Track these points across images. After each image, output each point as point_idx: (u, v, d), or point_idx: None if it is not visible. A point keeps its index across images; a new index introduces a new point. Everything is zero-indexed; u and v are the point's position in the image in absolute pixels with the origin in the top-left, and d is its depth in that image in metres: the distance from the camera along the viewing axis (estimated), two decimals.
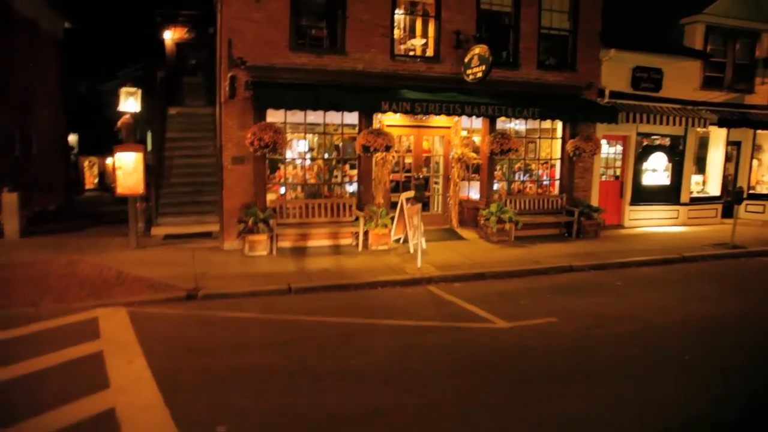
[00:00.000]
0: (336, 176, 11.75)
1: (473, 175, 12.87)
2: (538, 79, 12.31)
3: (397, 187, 12.78)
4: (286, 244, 10.63)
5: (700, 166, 15.81)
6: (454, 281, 9.07)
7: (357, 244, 10.78)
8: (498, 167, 12.64)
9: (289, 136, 10.88)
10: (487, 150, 11.76)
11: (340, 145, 11.70)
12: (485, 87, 11.46)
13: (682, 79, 14.23)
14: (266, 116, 10.37)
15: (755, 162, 16.65)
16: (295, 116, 10.91)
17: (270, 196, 11.02)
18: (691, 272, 10.10)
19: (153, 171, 12.57)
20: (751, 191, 16.37)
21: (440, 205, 13.04)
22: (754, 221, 15.95)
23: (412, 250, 10.69)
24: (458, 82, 11.48)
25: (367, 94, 10.42)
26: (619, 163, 14.26)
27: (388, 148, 10.52)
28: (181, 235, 11.74)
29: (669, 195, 14.77)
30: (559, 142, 13.03)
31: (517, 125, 12.82)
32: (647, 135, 14.24)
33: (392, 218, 10.92)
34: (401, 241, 11.42)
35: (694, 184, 15.45)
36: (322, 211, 10.95)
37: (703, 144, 15.80)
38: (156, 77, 17.61)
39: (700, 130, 14.59)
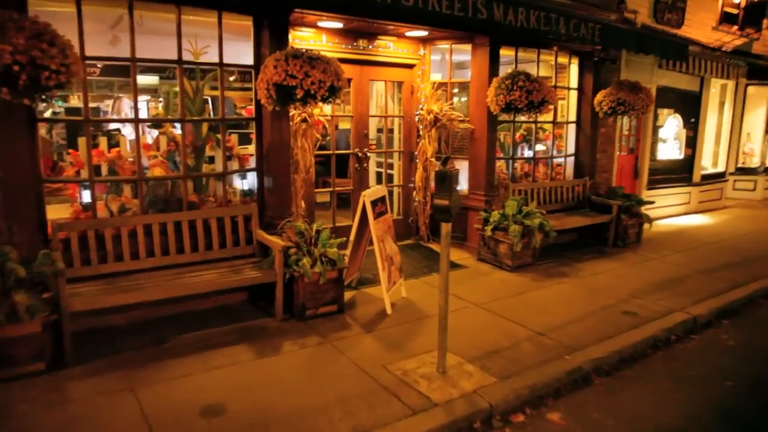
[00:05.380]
0: (210, 160, 5.68)
1: (453, 153, 7.56)
2: None
3: (323, 175, 7.20)
4: (100, 322, 4.47)
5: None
6: (539, 404, 3.79)
7: (272, 309, 4.91)
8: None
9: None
10: (497, 103, 6.47)
11: (218, 97, 5.60)
12: None
13: (701, 12, 10.24)
14: (27, 7, 4.05)
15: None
16: (108, 35, 4.71)
17: (56, 213, 4.70)
18: None
19: None
20: (740, 165, 13.30)
21: (401, 204, 7.58)
22: (749, 201, 12.89)
23: (389, 310, 5.13)
24: None
25: None
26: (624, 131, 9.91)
27: (333, 92, 4.75)
28: None
29: (681, 173, 10.89)
30: (573, 97, 8.23)
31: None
32: (665, 90, 10.05)
33: (341, 244, 5.22)
34: (353, 285, 5.79)
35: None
36: (184, 238, 4.90)
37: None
38: None
39: (722, 82, 10.88)
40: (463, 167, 7.36)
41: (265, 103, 4.90)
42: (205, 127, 5.48)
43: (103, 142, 5.01)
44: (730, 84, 12.06)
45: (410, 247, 7.22)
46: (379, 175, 7.92)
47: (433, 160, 7.12)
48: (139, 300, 4.36)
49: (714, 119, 12.30)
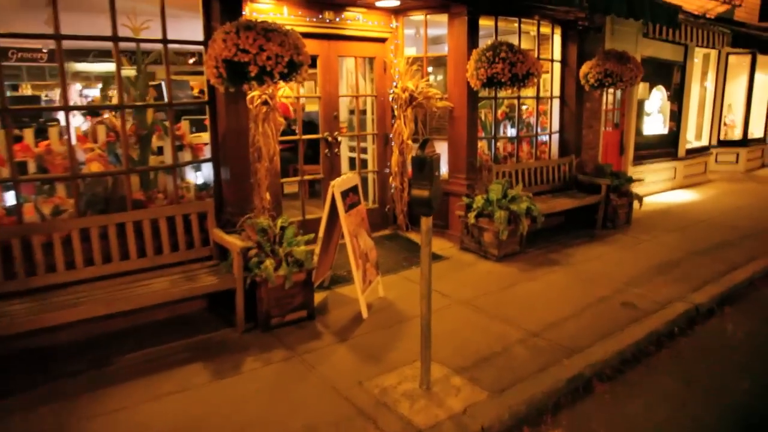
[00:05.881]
0: (158, 151, 5.04)
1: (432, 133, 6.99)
2: None
3: (292, 162, 6.63)
4: (33, 343, 3.86)
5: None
6: (537, 422, 3.32)
7: (234, 318, 4.35)
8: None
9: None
10: (478, 78, 5.90)
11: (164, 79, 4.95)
12: None
13: None
14: None
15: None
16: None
17: None
18: None
19: None
20: (722, 137, 13.01)
21: (376, 192, 7.03)
22: (732, 174, 12.66)
23: (365, 313, 4.61)
24: None
25: None
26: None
27: (293, 69, 4.15)
28: None
29: (666, 148, 10.53)
30: (557, 70, 7.71)
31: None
32: (649, 60, 9.59)
33: (309, 241, 4.66)
34: (325, 284, 5.25)
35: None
36: (129, 242, 4.29)
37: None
38: None
39: (705, 51, 10.48)
40: (442, 149, 6.80)
41: (215, 83, 4.27)
42: (150, 114, 4.83)
43: (28, 134, 4.33)
44: (713, 53, 11.73)
45: (387, 237, 6.70)
46: (351, 160, 7.35)
47: (410, 142, 6.57)
48: (76, 318, 3.75)
49: (697, 91, 11.96)
